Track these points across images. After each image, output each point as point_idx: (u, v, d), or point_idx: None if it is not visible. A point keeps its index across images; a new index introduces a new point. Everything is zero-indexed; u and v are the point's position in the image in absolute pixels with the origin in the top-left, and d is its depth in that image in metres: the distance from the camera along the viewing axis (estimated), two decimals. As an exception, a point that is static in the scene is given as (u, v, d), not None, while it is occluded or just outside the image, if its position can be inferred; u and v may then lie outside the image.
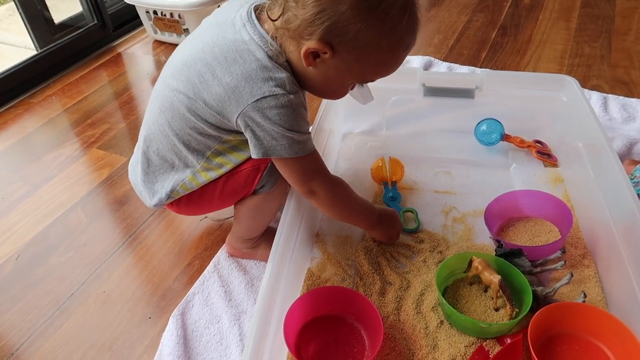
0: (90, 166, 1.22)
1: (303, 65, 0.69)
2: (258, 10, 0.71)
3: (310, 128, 0.84)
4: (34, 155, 1.27)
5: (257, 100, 0.68)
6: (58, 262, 0.98)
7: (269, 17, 0.68)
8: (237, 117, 0.70)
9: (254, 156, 0.72)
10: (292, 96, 0.69)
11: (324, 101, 1.02)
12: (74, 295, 0.92)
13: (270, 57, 0.68)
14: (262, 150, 0.71)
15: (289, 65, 0.70)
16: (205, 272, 0.92)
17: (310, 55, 0.67)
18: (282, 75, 0.68)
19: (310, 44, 0.65)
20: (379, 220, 0.86)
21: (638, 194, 0.86)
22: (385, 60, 0.70)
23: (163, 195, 0.82)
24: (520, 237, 0.91)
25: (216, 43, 0.70)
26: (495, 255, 0.81)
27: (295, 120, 0.70)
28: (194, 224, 1.03)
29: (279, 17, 0.66)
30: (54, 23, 1.65)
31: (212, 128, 0.74)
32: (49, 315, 0.89)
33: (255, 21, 0.69)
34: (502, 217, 0.94)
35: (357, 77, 0.72)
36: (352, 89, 0.79)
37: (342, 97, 0.79)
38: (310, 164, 0.75)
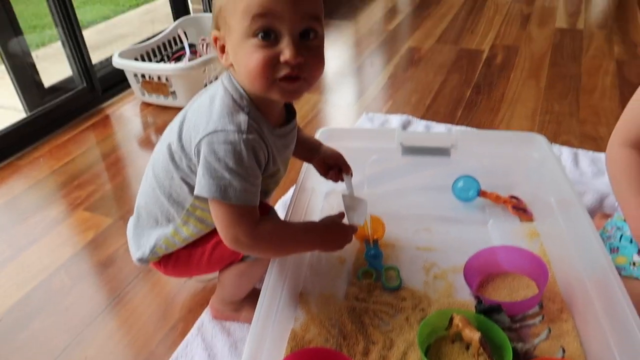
0: (75, 228, 1.23)
1: (237, 73, 0.71)
2: None
3: (293, 188, 0.86)
4: (19, 217, 1.28)
5: (209, 133, 0.69)
6: (41, 326, 0.97)
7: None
8: (194, 152, 0.72)
9: (195, 192, 0.72)
10: (244, 136, 0.69)
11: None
12: (56, 362, 0.90)
13: (234, 100, 0.72)
14: (199, 188, 0.71)
15: (254, 109, 0.72)
16: (188, 335, 0.92)
17: (221, 52, 0.71)
18: (240, 116, 0.70)
19: (212, 37, 0.71)
20: (322, 239, 0.83)
21: (611, 248, 0.90)
22: None
23: (146, 250, 0.84)
24: (499, 293, 0.93)
25: (199, 97, 0.77)
26: (476, 312, 0.83)
27: (241, 162, 0.68)
28: (178, 285, 1.04)
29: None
30: (43, 86, 1.70)
31: (187, 177, 0.76)
32: (29, 384, 0.87)
33: (232, 74, 0.74)
34: (481, 272, 0.96)
35: (239, 24, 0.65)
36: (286, 57, 0.65)
37: (267, 65, 0.65)
38: (240, 214, 0.71)
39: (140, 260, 0.85)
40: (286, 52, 0.65)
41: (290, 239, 0.80)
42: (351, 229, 0.87)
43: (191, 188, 0.77)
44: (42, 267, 1.11)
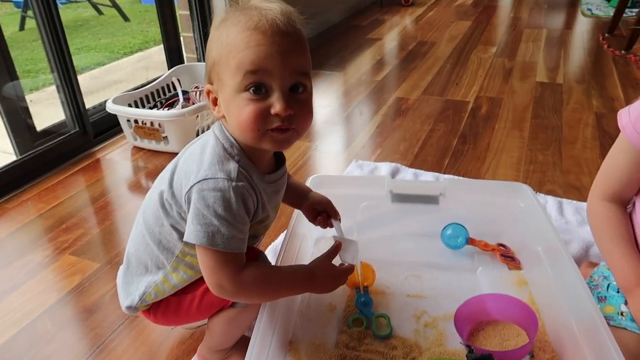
0: (61, 273, 1.21)
1: (231, 129, 0.73)
2: None
3: (284, 233, 0.87)
4: (3, 261, 1.26)
5: (199, 181, 0.70)
6: (19, 376, 0.94)
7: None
8: (184, 200, 0.73)
9: (184, 238, 0.73)
10: (233, 184, 0.70)
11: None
12: (34, 414, 0.87)
13: (224, 149, 0.73)
14: (186, 233, 0.71)
15: (244, 158, 0.74)
16: (175, 385, 0.90)
17: (213, 104, 0.73)
18: (230, 164, 0.72)
19: (205, 91, 0.73)
20: (312, 282, 0.81)
21: (599, 297, 0.91)
22: (231, 42, 0.68)
23: (136, 298, 0.83)
24: (490, 342, 0.93)
25: (192, 145, 0.79)
26: (467, 361, 0.82)
27: (229, 209, 0.69)
28: (165, 332, 1.02)
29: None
30: (35, 130, 1.71)
31: (177, 224, 0.77)
32: None
33: (222, 124, 0.76)
34: (471, 321, 0.96)
35: (231, 80, 0.68)
36: (277, 109, 0.68)
37: (258, 117, 0.68)
38: (226, 261, 0.71)
39: (129, 308, 0.84)
40: (277, 105, 0.68)
41: (278, 284, 0.79)
42: (343, 270, 0.87)
43: (181, 234, 0.77)
44: (25, 312, 1.09)
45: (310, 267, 0.84)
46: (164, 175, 0.79)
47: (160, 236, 0.79)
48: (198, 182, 0.70)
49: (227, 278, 0.72)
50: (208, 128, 0.88)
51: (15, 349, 1.00)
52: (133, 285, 0.84)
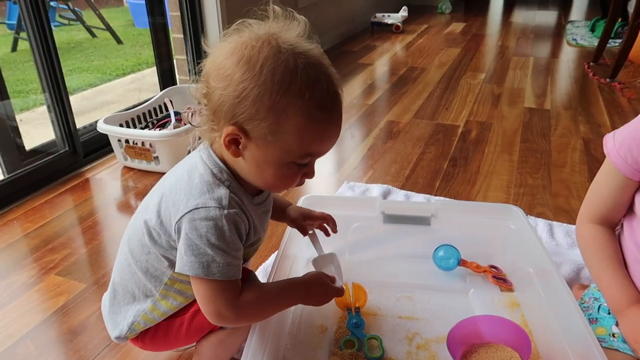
0: (45, 294, 1.18)
1: (238, 162, 0.72)
2: None
3: (275, 254, 0.86)
4: (-14, 282, 1.23)
5: (190, 210, 0.69)
6: (-2, 401, 0.91)
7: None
8: (174, 230, 0.71)
9: (176, 269, 0.72)
10: (225, 211, 0.69)
11: (289, 228, 1.06)
12: None
13: (213, 174, 0.72)
14: (180, 265, 0.70)
15: (234, 181, 0.73)
16: (160, 409, 0.87)
17: (231, 145, 0.68)
18: (221, 191, 0.71)
19: (224, 132, 0.67)
20: (305, 294, 0.82)
21: (590, 319, 0.90)
22: (302, 125, 0.66)
23: (124, 327, 0.81)
24: (483, 364, 0.91)
25: (176, 169, 0.78)
26: (460, 384, 0.81)
27: (222, 237, 0.69)
28: (152, 355, 0.99)
29: (203, 123, 0.72)
30: (24, 149, 1.70)
31: (167, 252, 0.75)
32: None
33: (209, 146, 0.75)
34: (464, 343, 0.95)
35: (286, 151, 0.68)
36: (307, 175, 0.74)
37: (291, 183, 0.73)
38: (223, 289, 0.71)
39: (118, 338, 0.82)
40: (310, 174, 0.74)
41: (274, 302, 0.78)
42: (335, 288, 0.86)
43: (170, 263, 0.76)
44: (7, 334, 1.05)
45: (306, 279, 0.84)
46: (149, 202, 0.77)
47: (147, 264, 0.78)
48: (189, 211, 0.69)
49: (226, 306, 0.71)
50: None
51: (-4, 372, 0.97)
52: (121, 315, 0.82)
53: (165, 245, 0.75)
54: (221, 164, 0.73)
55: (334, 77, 0.69)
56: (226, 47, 0.68)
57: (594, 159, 1.81)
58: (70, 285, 1.20)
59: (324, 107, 0.67)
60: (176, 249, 0.73)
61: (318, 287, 0.83)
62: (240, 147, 0.69)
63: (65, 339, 1.05)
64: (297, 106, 0.65)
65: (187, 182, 0.72)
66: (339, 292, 0.86)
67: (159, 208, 0.74)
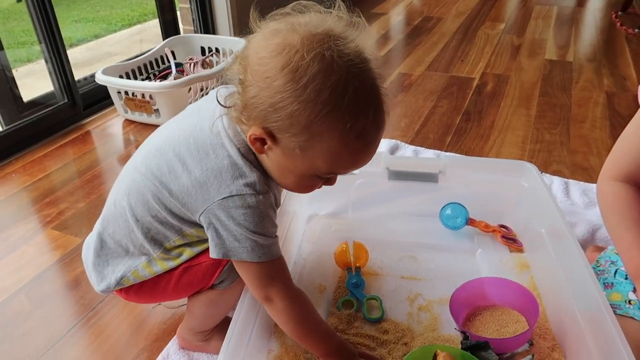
0: (42, 248, 1.16)
1: (262, 156, 0.67)
2: None
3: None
4: (-18, 235, 1.21)
5: (224, 198, 0.65)
6: (-10, 355, 0.90)
7: (219, 103, 0.67)
8: (201, 213, 0.67)
9: (212, 256, 0.69)
10: (261, 197, 0.66)
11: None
12: (4, 393, 0.83)
13: (242, 155, 0.66)
14: (223, 251, 0.68)
15: (259, 163, 0.68)
16: (152, 366, 0.85)
17: (256, 142, 0.64)
18: (253, 174, 0.66)
19: (252, 130, 0.62)
20: (337, 350, 0.76)
21: (605, 283, 0.85)
22: (335, 149, 0.62)
23: (112, 281, 0.77)
24: (487, 328, 0.87)
25: (192, 133, 0.69)
26: (461, 348, 0.77)
27: (262, 223, 0.67)
28: (146, 311, 0.97)
29: (234, 105, 0.65)
30: (22, 101, 1.65)
31: (175, 219, 0.71)
32: (-28, 418, 0.79)
33: (236, 121, 0.67)
34: (468, 305, 0.91)
35: (311, 168, 0.65)
36: (327, 183, 0.71)
37: (310, 190, 0.72)
38: (272, 270, 0.71)
39: (105, 291, 0.79)
40: (331, 183, 0.71)
41: (313, 321, 0.75)
42: None
43: (178, 230, 0.72)
44: (1, 288, 1.04)
45: (345, 344, 0.78)
46: (160, 163, 0.69)
47: (150, 226, 0.73)
48: (222, 199, 0.65)
49: (276, 285, 0.71)
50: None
51: (-10, 325, 0.96)
52: (109, 268, 0.78)
53: (179, 214, 0.70)
54: (248, 143, 0.67)
55: (384, 102, 0.64)
56: (273, 41, 0.60)
57: (617, 114, 1.71)
58: (66, 239, 1.18)
59: (364, 136, 0.62)
60: (189, 221, 0.71)
61: (350, 352, 0.77)
62: (265, 147, 0.64)
63: (61, 294, 1.03)
64: (335, 131, 0.60)
65: (215, 162, 0.66)
66: None
67: (176, 176, 0.68)
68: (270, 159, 0.66)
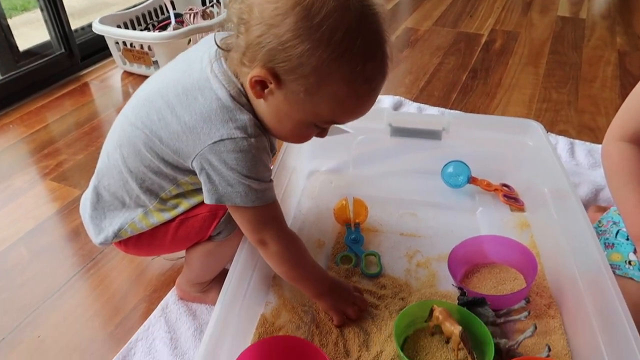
0: (40, 199, 1.16)
1: (258, 102, 0.64)
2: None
3: (272, 166, 0.81)
4: (-20, 186, 1.21)
5: (215, 142, 0.64)
6: (-10, 303, 0.91)
7: (220, 47, 0.64)
8: (193, 159, 0.66)
9: (206, 202, 0.68)
10: (252, 140, 0.64)
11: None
12: (5, 340, 0.84)
13: (232, 97, 0.64)
14: (216, 197, 0.67)
15: (251, 105, 0.66)
16: (151, 316, 0.86)
17: (257, 86, 0.61)
18: (244, 117, 0.64)
19: (254, 71, 0.60)
20: (329, 289, 0.78)
21: (606, 243, 0.84)
22: (341, 94, 0.60)
23: (110, 234, 0.77)
24: (484, 284, 0.87)
25: (180, 80, 0.67)
26: (458, 304, 0.78)
27: (255, 167, 0.65)
28: (145, 263, 0.97)
29: (233, 46, 0.62)
30: (18, 50, 1.61)
31: (168, 167, 0.70)
32: (-26, 363, 0.81)
33: (222, 60, 0.65)
34: (467, 262, 0.91)
35: (312, 114, 0.63)
36: (320, 135, 0.70)
37: (304, 140, 0.71)
38: (266, 215, 0.70)
39: (102, 244, 0.79)
40: (323, 135, 0.70)
41: (306, 263, 0.77)
42: (353, 303, 0.81)
43: (172, 179, 0.71)
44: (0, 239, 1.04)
45: (338, 280, 0.83)
46: (149, 112, 0.68)
47: (144, 176, 0.72)
48: (213, 143, 0.63)
49: (271, 229, 0.71)
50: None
51: (-11, 275, 0.96)
52: (106, 221, 0.77)
53: (172, 162, 0.69)
54: (239, 85, 0.65)
55: (390, 49, 0.62)
56: None
57: (628, 74, 1.66)
58: (65, 191, 1.18)
59: (371, 81, 0.61)
60: (182, 169, 0.69)
61: (341, 292, 0.80)
62: (266, 91, 0.62)
63: (59, 245, 1.03)
64: (345, 74, 0.59)
65: (203, 105, 0.64)
66: (363, 302, 0.82)
67: (166, 123, 0.66)
68: (269, 103, 0.64)
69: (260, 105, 0.65)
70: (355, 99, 0.62)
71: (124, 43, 1.64)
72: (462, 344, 0.71)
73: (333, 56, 0.57)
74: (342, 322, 0.79)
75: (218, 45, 0.64)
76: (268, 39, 0.57)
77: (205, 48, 0.69)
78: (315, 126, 0.67)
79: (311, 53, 0.56)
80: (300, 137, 0.70)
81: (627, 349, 0.61)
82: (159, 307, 0.87)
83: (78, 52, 1.72)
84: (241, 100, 0.65)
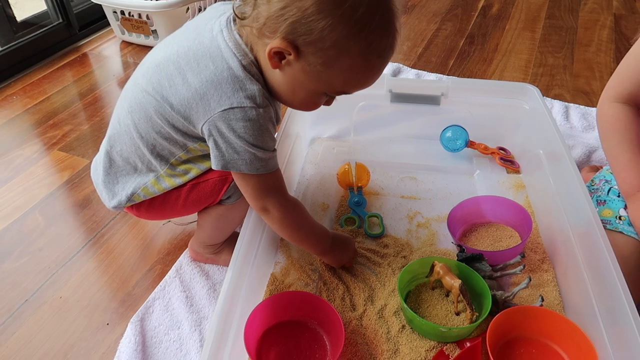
0: (50, 168, 1.19)
1: (272, 71, 0.67)
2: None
3: (276, 135, 0.83)
4: (-9, 156, 1.23)
5: (225, 110, 0.66)
6: (12, 267, 0.95)
7: (237, 16, 0.66)
8: (202, 125, 0.68)
9: (213, 167, 0.71)
10: (261, 110, 0.67)
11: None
12: (29, 301, 0.88)
13: (243, 67, 0.66)
14: (222, 163, 0.69)
15: (261, 75, 0.69)
16: (166, 277, 0.90)
17: (275, 57, 0.63)
18: (254, 87, 0.66)
19: (274, 42, 0.61)
20: (332, 246, 0.83)
21: (598, 200, 0.89)
22: (356, 67, 0.64)
23: (123, 198, 0.80)
24: (482, 242, 0.92)
25: (191, 47, 0.69)
26: (457, 260, 0.82)
27: (261, 136, 0.68)
28: (157, 227, 1.01)
29: (249, 16, 0.64)
30: (16, 20, 1.61)
31: (178, 134, 0.72)
32: (1, 322, 0.85)
33: (233, 29, 0.67)
34: (465, 222, 0.95)
35: (326, 85, 0.67)
36: (327, 103, 0.74)
37: (313, 109, 0.74)
38: (269, 183, 0.73)
39: (116, 207, 0.82)
40: (330, 103, 0.73)
41: (307, 226, 0.80)
42: (354, 254, 0.88)
43: (182, 145, 0.74)
44: (15, 207, 1.08)
45: (337, 235, 0.86)
46: (160, 78, 0.70)
47: (154, 142, 0.74)
48: (223, 110, 0.66)
49: (275, 197, 0.74)
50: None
51: (5, 242, 1.00)
52: (119, 185, 0.80)
53: (182, 129, 0.71)
54: (251, 55, 0.67)
55: (400, 28, 0.65)
56: None
57: (624, 37, 1.68)
58: (73, 160, 1.20)
59: (384, 56, 0.65)
60: (192, 135, 0.72)
61: (342, 246, 0.85)
62: (283, 62, 0.64)
63: (73, 211, 1.07)
64: (362, 49, 0.62)
65: (214, 73, 0.66)
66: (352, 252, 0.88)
67: (176, 89, 0.68)
68: (285, 73, 0.66)
69: (274, 75, 0.67)
70: (367, 71, 0.66)
71: (122, 12, 1.64)
72: (461, 296, 0.76)
73: (353, 31, 0.60)
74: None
75: (235, 14, 0.66)
76: (291, 12, 0.59)
77: (214, 16, 0.70)
78: (325, 96, 0.70)
79: (333, 28, 0.59)
80: (310, 105, 0.73)
81: (615, 298, 0.66)
82: (173, 268, 0.92)
83: (76, 22, 1.71)
84: (252, 70, 0.67)
